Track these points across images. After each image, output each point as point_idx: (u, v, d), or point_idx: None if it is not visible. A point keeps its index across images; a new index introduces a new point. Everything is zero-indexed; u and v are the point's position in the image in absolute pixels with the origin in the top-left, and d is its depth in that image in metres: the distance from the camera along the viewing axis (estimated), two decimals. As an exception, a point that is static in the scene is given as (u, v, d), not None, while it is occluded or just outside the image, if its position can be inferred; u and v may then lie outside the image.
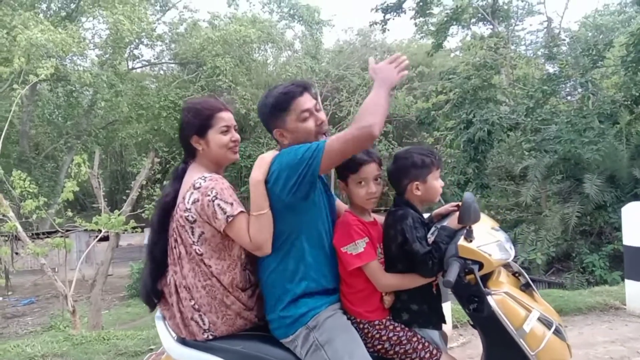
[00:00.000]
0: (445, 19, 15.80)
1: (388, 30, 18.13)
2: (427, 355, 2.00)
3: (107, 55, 21.13)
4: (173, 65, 26.44)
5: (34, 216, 8.92)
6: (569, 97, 16.67)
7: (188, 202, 2.00)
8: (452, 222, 2.01)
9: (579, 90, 14.45)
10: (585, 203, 10.87)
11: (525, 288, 1.99)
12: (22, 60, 11.12)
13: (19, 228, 8.22)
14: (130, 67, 23.33)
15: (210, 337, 2.01)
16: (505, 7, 18.39)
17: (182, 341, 2.04)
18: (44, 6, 19.93)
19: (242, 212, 1.95)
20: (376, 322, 2.03)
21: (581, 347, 3.96)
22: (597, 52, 12.46)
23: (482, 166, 14.43)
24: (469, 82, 14.56)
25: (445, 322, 2.17)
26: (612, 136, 11.26)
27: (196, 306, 2.00)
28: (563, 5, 41.90)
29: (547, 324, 1.91)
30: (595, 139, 11.04)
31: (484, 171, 14.73)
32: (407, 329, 2.04)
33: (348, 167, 2.09)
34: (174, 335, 2.07)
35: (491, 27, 19.26)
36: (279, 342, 2.01)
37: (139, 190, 11.72)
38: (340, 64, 27.33)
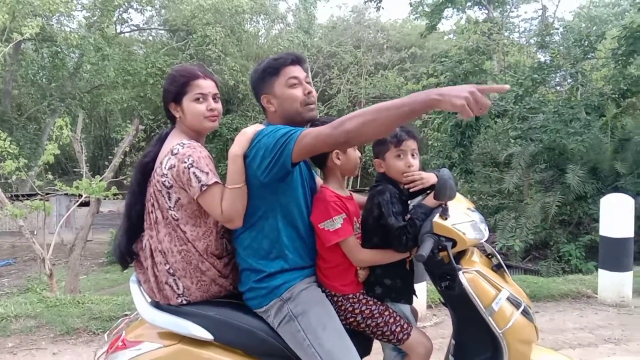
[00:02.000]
0: (441, 0, 15.65)
1: (382, 8, 17.94)
2: (398, 329, 2.03)
3: (94, 18, 20.64)
4: (162, 31, 25.95)
5: (14, 177, 8.81)
6: (558, 87, 16.73)
7: (165, 168, 1.99)
8: (428, 200, 2.02)
9: (569, 80, 14.50)
10: (567, 193, 11.00)
11: (497, 269, 2.02)
12: (7, 17, 10.80)
13: (-3, 188, 8.08)
14: (118, 31, 22.79)
15: (184, 301, 2.01)
16: (502, -8, 18.28)
17: (156, 305, 2.05)
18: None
19: (216, 182, 1.94)
20: (350, 296, 2.06)
21: (551, 333, 4.04)
22: (589, 43, 12.48)
23: (467, 151, 14.51)
24: (461, 66, 14.51)
25: (417, 297, 2.21)
26: (597, 128, 11.35)
27: (171, 270, 2.00)
28: (559, -6, 41.82)
29: (516, 304, 1.94)
30: (581, 130, 11.11)
31: (469, 156, 14.82)
32: (379, 302, 2.07)
33: (388, 142, 2.12)
34: (148, 299, 2.07)
35: (486, 11, 19.16)
36: (253, 311, 2.02)
37: (122, 157, 11.57)
38: (333, 41, 27.04)
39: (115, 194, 9.86)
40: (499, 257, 2.05)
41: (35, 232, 18.98)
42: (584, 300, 4.81)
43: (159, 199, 2.02)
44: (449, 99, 1.56)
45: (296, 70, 2.06)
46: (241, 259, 2.05)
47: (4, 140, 8.46)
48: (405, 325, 2.05)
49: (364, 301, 2.05)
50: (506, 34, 19.59)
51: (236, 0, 20.25)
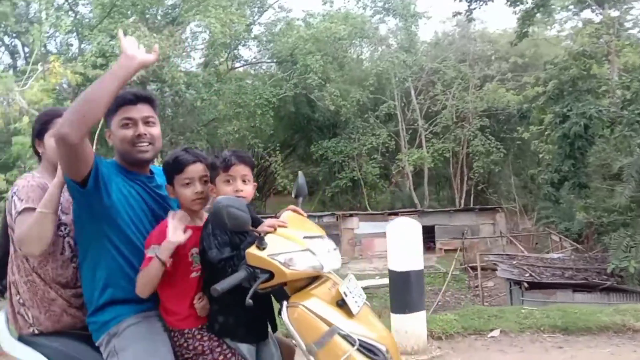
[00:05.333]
0: (532, 6, 14.65)
1: (474, 19, 17.30)
2: None
3: (208, 57, 22.49)
4: (272, 64, 27.41)
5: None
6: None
7: (9, 201, 2.11)
8: (261, 227, 1.90)
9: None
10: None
11: (343, 304, 1.84)
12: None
13: None
14: (230, 67, 24.47)
15: (36, 331, 2.07)
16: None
17: (19, 335, 2.13)
18: (152, 12, 21.63)
19: (25, 208, 1.97)
20: (186, 331, 2.01)
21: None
22: None
23: (579, 164, 13.30)
24: (567, 72, 13.46)
25: (267, 337, 2.10)
26: None
27: (21, 300, 2.10)
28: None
29: (352, 341, 1.74)
30: None
31: (582, 169, 13.56)
32: (215, 339, 2.00)
33: (173, 168, 2.08)
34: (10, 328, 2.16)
35: (600, 11, 17.56)
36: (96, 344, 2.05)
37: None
38: (437, 56, 26.52)
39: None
40: (344, 293, 1.84)
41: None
42: (628, 335, 4.06)
43: (9, 231, 2.09)
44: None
45: (133, 110, 2.08)
46: (83, 291, 2.07)
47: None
48: None
49: (198, 337, 1.99)
50: (627, 32, 17.67)
51: (334, 28, 20.79)
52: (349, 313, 1.82)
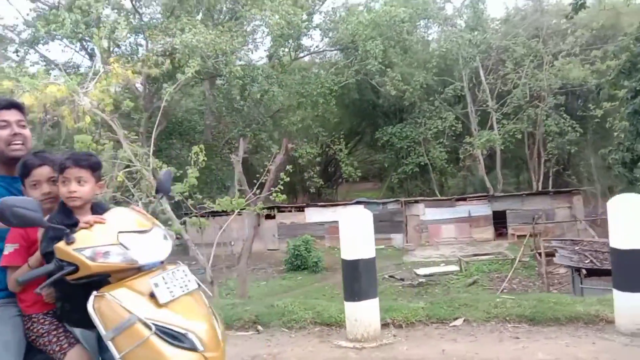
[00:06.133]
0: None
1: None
2: (57, 347, 2.15)
3: (272, 49, 22.94)
4: (335, 52, 27.44)
5: (177, 197, 10.32)
6: None
7: None
8: (80, 224, 2.04)
9: None
10: None
11: (153, 295, 1.92)
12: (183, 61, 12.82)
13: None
14: (293, 57, 24.71)
15: None
16: None
17: None
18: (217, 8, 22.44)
19: None
20: (33, 316, 2.22)
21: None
22: None
23: (656, 143, 12.25)
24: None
25: None
26: None
27: None
28: None
29: (150, 328, 1.85)
30: None
31: (659, 149, 12.48)
32: (55, 323, 2.20)
33: (22, 172, 2.29)
34: None
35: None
36: None
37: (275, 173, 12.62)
38: (508, 33, 25.28)
39: (263, 208, 10.87)
40: (155, 284, 1.93)
41: (232, 243, 21.81)
42: (598, 326, 3.75)
43: None
44: None
45: (7, 114, 2.35)
46: None
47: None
48: (65, 345, 2.14)
49: (41, 321, 2.20)
50: None
51: (394, 11, 20.43)
52: (156, 301, 1.93)
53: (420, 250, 21.13)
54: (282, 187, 10.76)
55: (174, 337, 1.88)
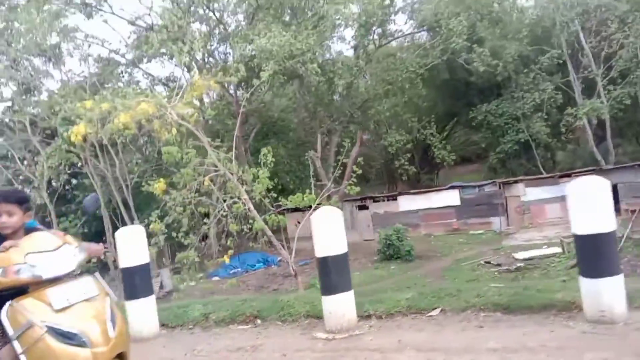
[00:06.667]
0: None
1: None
2: None
3: (356, 39, 22.93)
4: (419, 34, 26.75)
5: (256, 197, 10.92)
6: None
7: None
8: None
9: None
10: None
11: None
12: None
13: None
14: (378, 44, 24.37)
15: None
16: None
17: None
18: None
19: None
20: None
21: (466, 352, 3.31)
22: None
23: None
24: None
25: None
26: None
27: None
28: None
29: (42, 329, 2.29)
30: None
31: None
32: None
33: None
34: None
35: None
36: None
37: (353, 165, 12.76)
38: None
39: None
40: (51, 295, 2.36)
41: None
42: (570, 313, 3.62)
43: None
44: None
45: None
46: None
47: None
48: None
49: None
50: None
51: (478, -18, 19.48)
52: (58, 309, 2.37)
53: (522, 233, 20.02)
54: (355, 180, 10.89)
55: (66, 336, 2.32)
